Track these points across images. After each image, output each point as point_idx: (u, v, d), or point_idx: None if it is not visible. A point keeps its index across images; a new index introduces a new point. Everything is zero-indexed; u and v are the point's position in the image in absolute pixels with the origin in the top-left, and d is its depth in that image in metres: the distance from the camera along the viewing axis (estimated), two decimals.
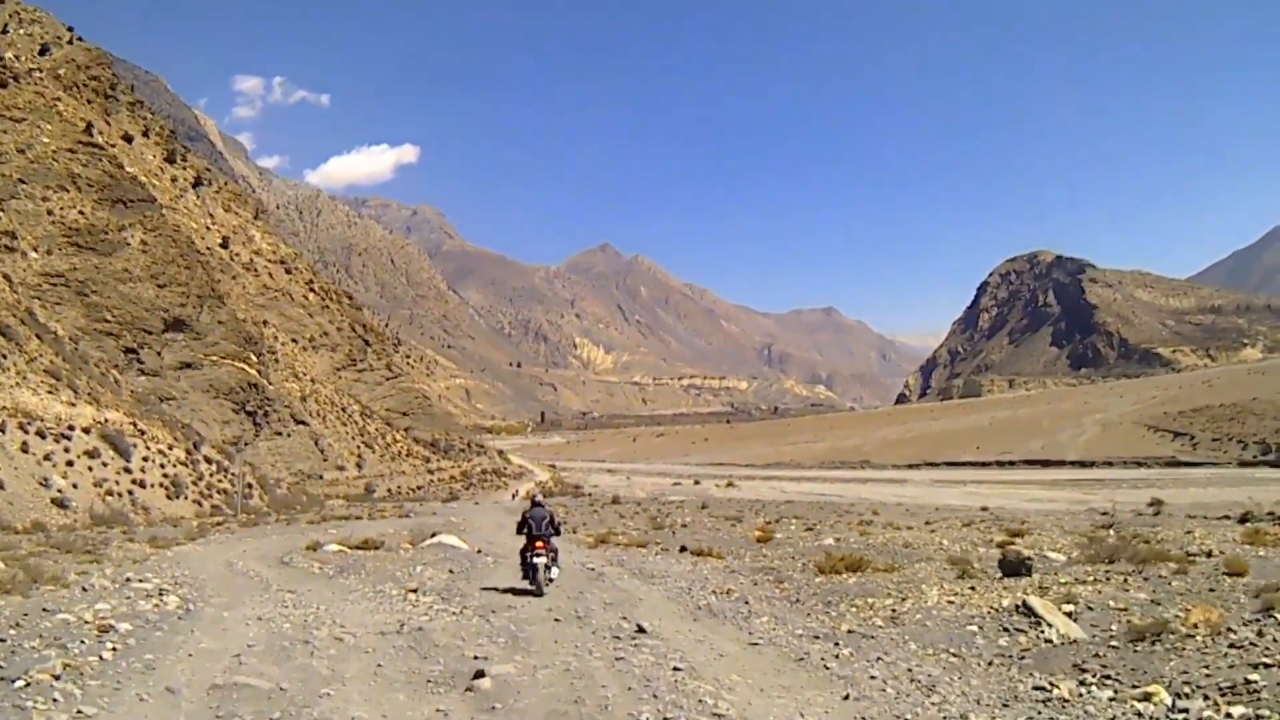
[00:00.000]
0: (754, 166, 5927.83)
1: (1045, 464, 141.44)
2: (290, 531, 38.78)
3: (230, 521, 46.44)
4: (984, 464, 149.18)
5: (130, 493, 49.55)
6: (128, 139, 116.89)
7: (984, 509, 62.88)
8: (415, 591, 19.03)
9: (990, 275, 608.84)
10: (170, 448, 58.88)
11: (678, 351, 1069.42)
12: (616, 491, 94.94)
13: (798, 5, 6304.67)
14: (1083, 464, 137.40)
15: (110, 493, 47.98)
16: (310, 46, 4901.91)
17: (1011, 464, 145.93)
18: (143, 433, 57.55)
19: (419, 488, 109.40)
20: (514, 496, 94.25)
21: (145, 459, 54.04)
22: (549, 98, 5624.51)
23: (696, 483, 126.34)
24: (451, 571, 22.59)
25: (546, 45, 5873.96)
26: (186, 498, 54.27)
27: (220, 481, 61.46)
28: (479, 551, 28.66)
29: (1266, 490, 72.09)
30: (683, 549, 28.83)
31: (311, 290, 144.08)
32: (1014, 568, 19.07)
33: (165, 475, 54.61)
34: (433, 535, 32.04)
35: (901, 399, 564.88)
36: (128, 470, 51.43)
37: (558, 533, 19.45)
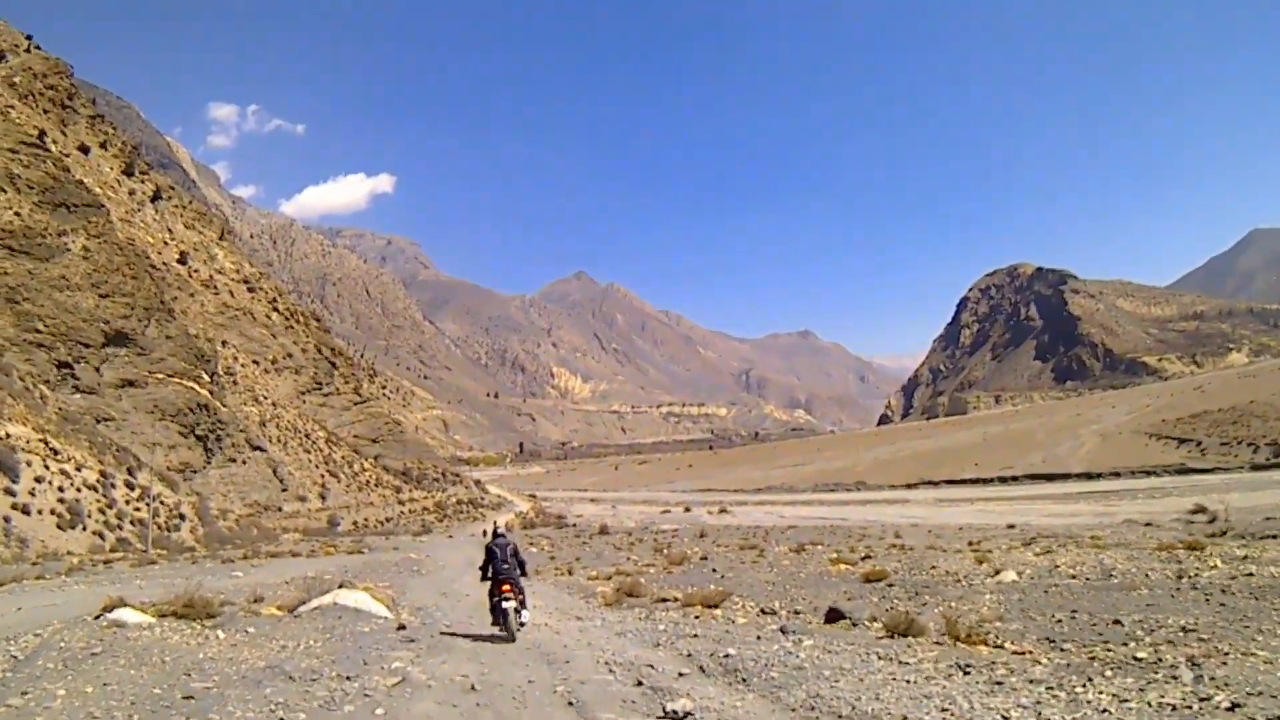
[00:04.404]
0: (728, 191, 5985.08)
1: (1050, 478, 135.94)
2: (173, 574, 30.63)
3: (126, 559, 38.74)
4: (986, 480, 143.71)
5: (6, 519, 41.71)
6: (84, 150, 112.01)
7: (1010, 526, 57.03)
8: None
9: (970, 290, 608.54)
10: (78, 469, 51.00)
11: (655, 379, 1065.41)
12: (603, 521, 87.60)
13: (768, 31, 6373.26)
14: (1089, 475, 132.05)
15: None
16: (286, 75, 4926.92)
17: (1015, 479, 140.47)
18: (55, 453, 49.95)
19: (388, 520, 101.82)
20: (485, 533, 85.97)
21: (39, 480, 46.38)
22: (524, 127, 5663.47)
23: (687, 510, 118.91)
24: None
25: (522, 75, 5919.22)
26: (85, 529, 46.47)
27: (139, 511, 53.42)
28: (401, 627, 17.19)
29: None
30: (836, 616, 16.41)
31: (275, 310, 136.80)
32: None
33: (61, 501, 46.87)
34: (340, 586, 21.02)
35: (884, 420, 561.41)
36: (9, 493, 43.71)
37: (523, 569, 16.78)
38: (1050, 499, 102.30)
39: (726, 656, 13.24)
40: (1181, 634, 13.19)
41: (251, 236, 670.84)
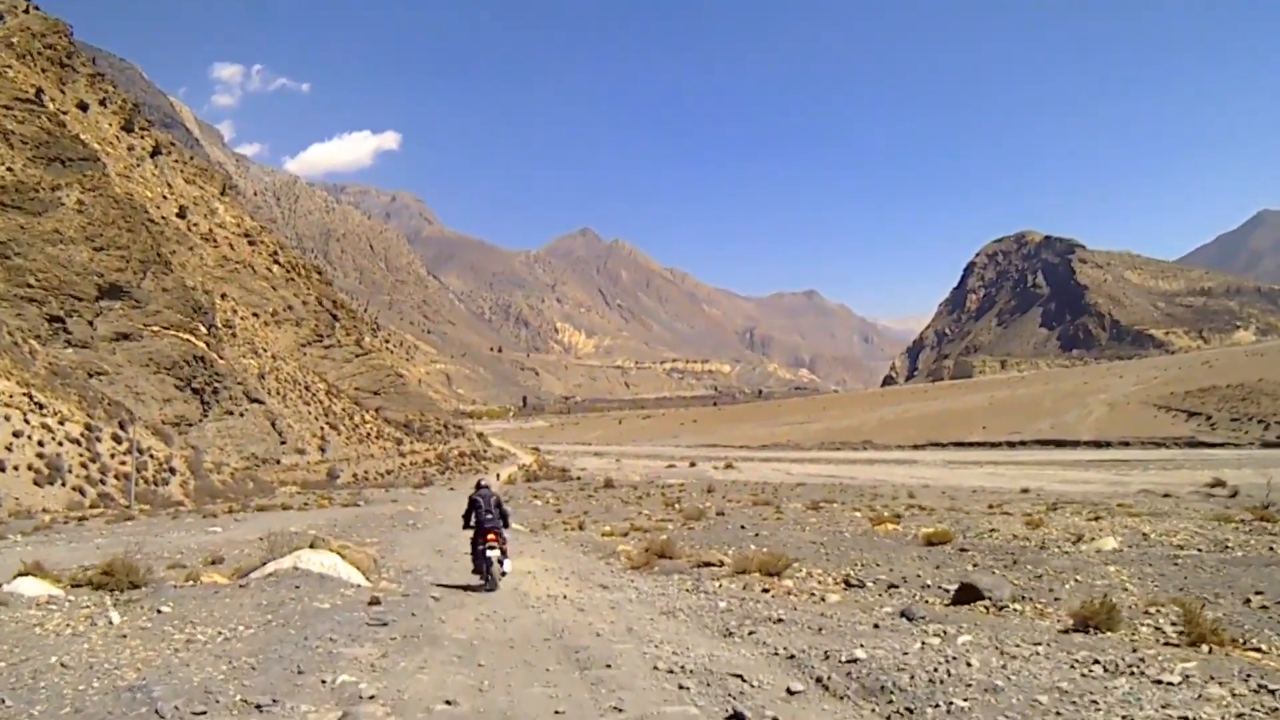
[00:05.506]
0: (735, 148, 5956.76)
1: (1059, 444, 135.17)
2: (146, 531, 29.01)
3: (104, 515, 37.22)
4: (994, 444, 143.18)
5: None
6: (83, 107, 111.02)
7: (1025, 490, 55.83)
8: None
9: (977, 256, 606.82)
10: (62, 423, 49.52)
11: (660, 335, 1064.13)
12: (608, 475, 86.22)
13: None
14: (1098, 444, 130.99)
15: None
16: (291, 33, 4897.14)
17: (1023, 444, 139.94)
18: (40, 406, 48.41)
19: (389, 472, 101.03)
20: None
21: (17, 434, 44.92)
22: (529, 83, 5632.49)
23: (692, 465, 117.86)
24: None
25: (527, 31, 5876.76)
26: (64, 484, 45.07)
27: (125, 465, 51.97)
28: (374, 602, 12.69)
29: None
30: (970, 594, 12.96)
31: (276, 263, 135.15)
32: None
33: (41, 456, 45.53)
34: (310, 545, 16.90)
35: (888, 381, 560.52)
36: None
37: (506, 521, 16.56)
38: (1060, 465, 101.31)
39: (852, 661, 8.76)
40: None
41: (255, 194, 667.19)
